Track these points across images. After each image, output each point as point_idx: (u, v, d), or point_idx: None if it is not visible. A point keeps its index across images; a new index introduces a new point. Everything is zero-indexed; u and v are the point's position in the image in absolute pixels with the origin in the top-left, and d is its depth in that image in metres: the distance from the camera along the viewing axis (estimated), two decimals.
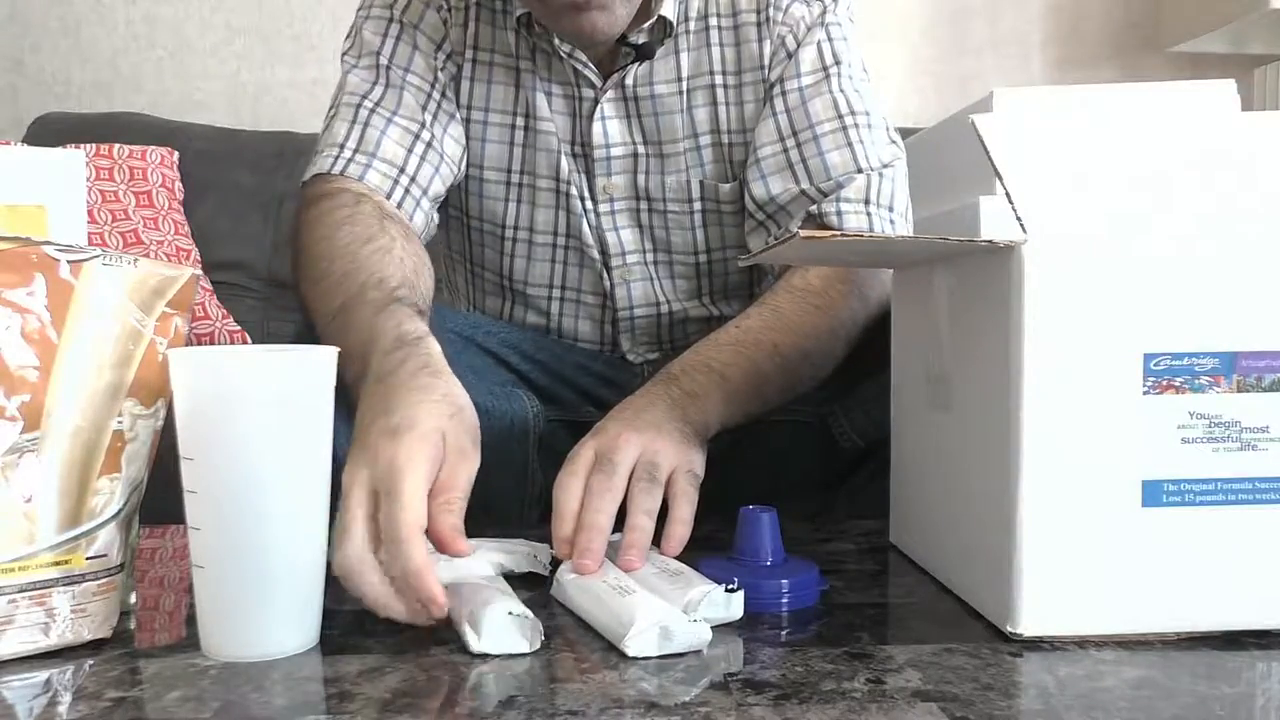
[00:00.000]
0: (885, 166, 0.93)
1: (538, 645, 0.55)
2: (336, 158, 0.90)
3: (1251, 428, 0.56)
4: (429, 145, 0.93)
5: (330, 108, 0.95)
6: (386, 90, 0.93)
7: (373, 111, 0.92)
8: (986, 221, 0.70)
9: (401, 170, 0.91)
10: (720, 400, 0.78)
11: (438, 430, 0.61)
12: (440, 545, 0.59)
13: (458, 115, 0.96)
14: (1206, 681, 0.52)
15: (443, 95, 0.95)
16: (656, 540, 0.68)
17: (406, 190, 0.91)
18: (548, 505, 0.68)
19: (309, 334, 0.80)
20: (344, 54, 0.97)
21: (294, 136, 2.03)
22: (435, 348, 0.69)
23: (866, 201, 0.92)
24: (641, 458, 0.70)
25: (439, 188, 0.94)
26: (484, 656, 0.54)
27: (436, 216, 0.96)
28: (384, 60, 0.94)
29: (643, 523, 0.67)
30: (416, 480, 0.58)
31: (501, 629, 0.55)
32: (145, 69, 2.27)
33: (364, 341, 0.71)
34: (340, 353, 0.58)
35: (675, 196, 0.99)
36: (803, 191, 0.93)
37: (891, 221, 0.93)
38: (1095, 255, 0.55)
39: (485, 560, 0.66)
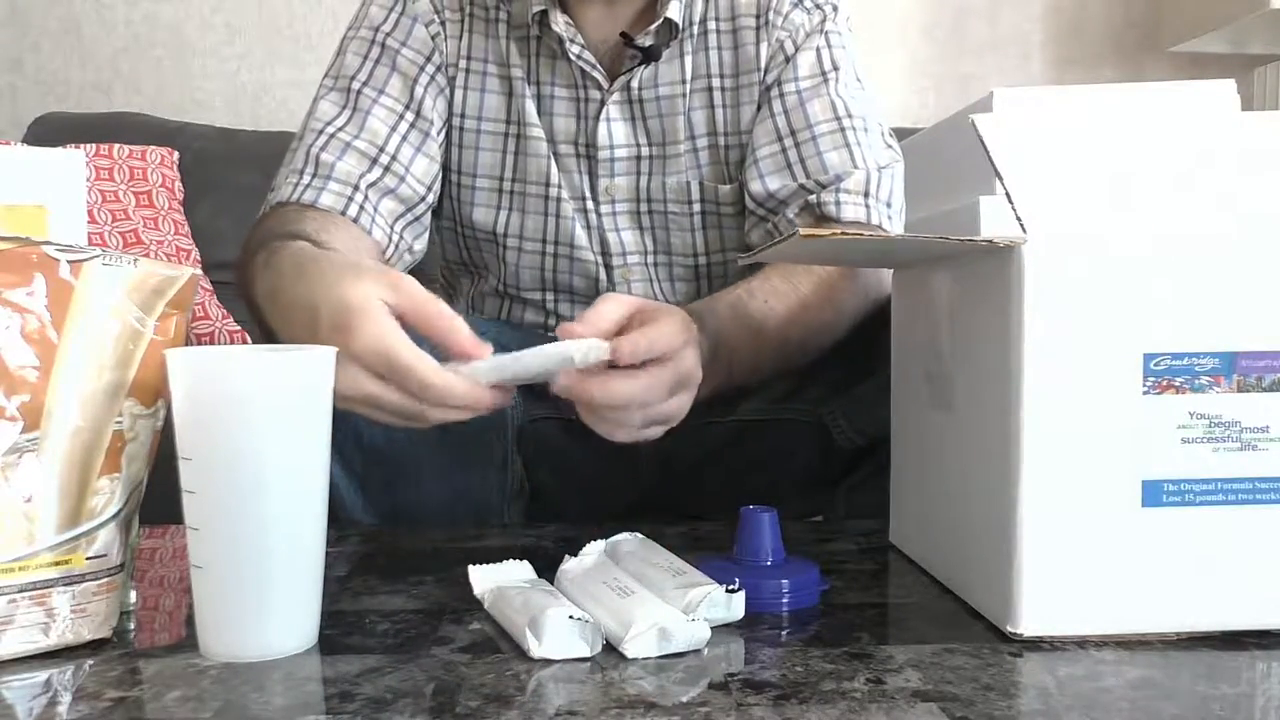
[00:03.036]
0: (883, 168, 0.94)
1: (598, 649, 0.55)
2: (295, 185, 0.92)
3: (1251, 428, 0.56)
4: (387, 169, 0.94)
5: (297, 135, 0.97)
6: (353, 115, 0.95)
7: (332, 137, 0.94)
8: (986, 221, 0.70)
9: (356, 189, 0.92)
10: (723, 377, 0.79)
11: (369, 296, 0.61)
12: (467, 355, 0.61)
13: (434, 133, 0.97)
14: (1206, 681, 0.52)
15: (417, 115, 0.96)
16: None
17: (361, 206, 0.92)
18: (529, 499, 0.67)
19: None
20: (324, 75, 0.98)
21: (294, 137, 2.03)
22: (305, 247, 0.71)
23: (866, 195, 0.93)
24: (677, 403, 0.68)
25: (393, 205, 0.94)
26: (484, 658, 0.54)
27: (410, 236, 0.96)
28: (357, 85, 0.95)
29: (637, 421, 0.66)
30: (401, 343, 0.59)
31: (563, 633, 0.54)
32: (145, 69, 2.27)
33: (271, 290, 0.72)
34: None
35: (675, 198, 0.99)
36: (801, 186, 0.94)
37: (889, 218, 0.94)
38: (1095, 255, 0.55)
39: (541, 360, 0.63)
